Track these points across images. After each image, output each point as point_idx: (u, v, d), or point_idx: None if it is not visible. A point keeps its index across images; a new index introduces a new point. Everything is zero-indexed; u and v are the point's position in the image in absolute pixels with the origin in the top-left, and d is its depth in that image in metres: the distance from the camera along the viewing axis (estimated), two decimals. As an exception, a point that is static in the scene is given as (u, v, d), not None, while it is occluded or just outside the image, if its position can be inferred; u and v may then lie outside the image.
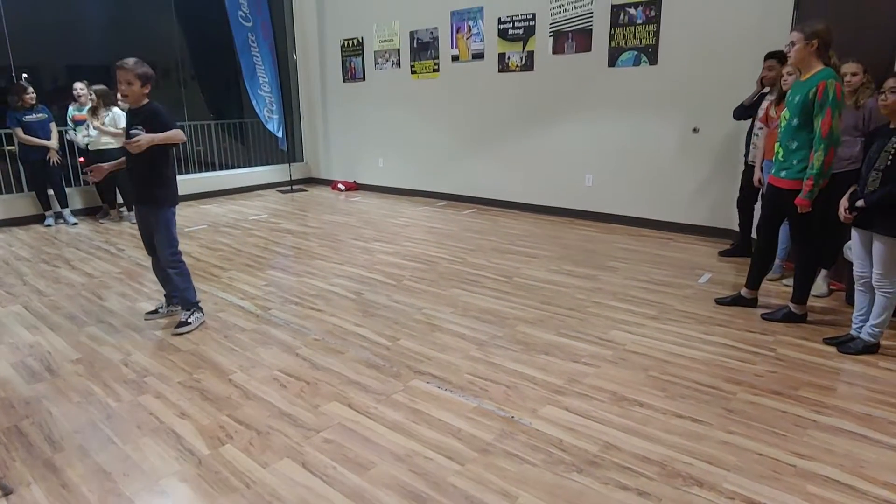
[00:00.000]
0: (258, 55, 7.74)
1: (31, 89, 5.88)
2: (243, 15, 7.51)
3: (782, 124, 3.21)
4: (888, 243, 2.79)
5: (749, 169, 4.44)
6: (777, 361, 2.87)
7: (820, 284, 3.76)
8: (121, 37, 9.67)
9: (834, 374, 2.74)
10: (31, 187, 6.24)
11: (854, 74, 3.42)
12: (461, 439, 2.24)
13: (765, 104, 4.15)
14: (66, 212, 6.28)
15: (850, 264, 3.11)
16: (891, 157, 2.73)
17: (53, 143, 5.99)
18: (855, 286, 3.06)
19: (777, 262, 4.09)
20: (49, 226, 6.17)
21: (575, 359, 2.93)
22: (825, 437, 2.23)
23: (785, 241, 3.89)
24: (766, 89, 4.23)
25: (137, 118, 3.20)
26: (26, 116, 5.82)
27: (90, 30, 9.61)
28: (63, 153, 6.19)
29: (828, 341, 3.06)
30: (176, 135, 3.18)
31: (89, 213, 6.66)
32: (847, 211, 2.89)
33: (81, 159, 6.27)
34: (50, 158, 5.97)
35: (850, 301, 3.45)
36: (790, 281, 3.58)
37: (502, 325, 3.36)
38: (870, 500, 1.88)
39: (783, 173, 3.19)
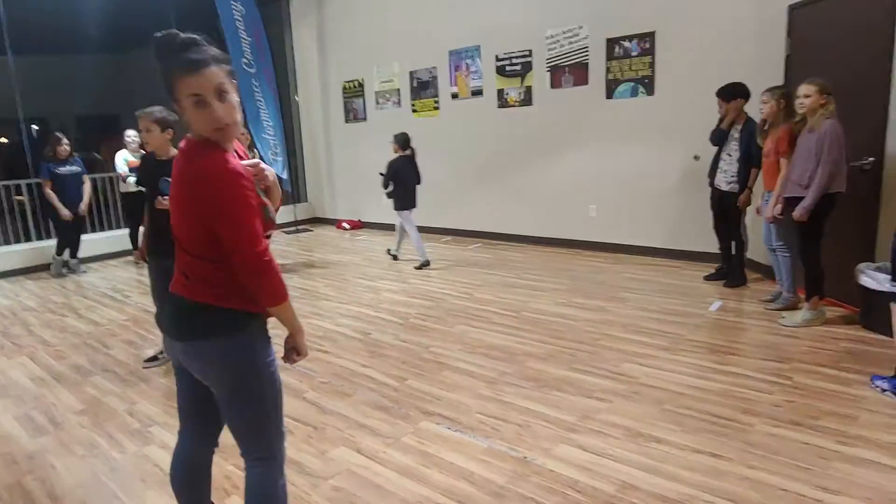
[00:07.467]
0: (262, 100, 7.86)
1: (65, 140, 5.79)
2: (247, 62, 7.67)
3: None
4: None
5: (714, 192, 4.54)
6: (794, 390, 2.79)
7: None
8: (127, 87, 9.93)
9: (854, 401, 2.66)
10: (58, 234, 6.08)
11: (807, 96, 3.36)
12: (473, 483, 2.18)
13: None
14: (74, 262, 6.29)
15: None
16: None
17: (83, 205, 5.93)
18: None
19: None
20: (61, 275, 6.17)
21: (587, 394, 2.86)
22: (850, 469, 2.15)
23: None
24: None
25: (165, 170, 3.13)
26: (60, 168, 5.76)
27: (96, 81, 9.86)
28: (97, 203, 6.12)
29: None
30: None
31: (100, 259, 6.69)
32: None
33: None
34: (80, 211, 5.93)
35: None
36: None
37: (512, 362, 3.31)
38: (903, 537, 1.80)
39: None
